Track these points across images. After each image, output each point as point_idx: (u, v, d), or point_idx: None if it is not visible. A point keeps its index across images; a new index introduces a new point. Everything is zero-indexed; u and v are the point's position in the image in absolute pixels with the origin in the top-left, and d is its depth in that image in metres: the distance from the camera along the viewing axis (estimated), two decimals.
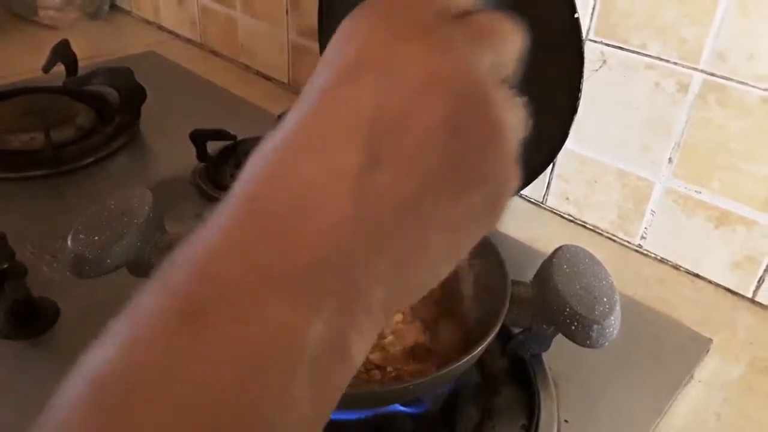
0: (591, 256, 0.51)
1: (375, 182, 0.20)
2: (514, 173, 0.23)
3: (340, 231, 0.20)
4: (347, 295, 0.20)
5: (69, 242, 0.47)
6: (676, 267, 0.70)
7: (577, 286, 0.47)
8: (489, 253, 0.52)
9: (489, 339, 0.43)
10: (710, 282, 0.68)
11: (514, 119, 0.24)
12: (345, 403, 0.42)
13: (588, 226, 0.76)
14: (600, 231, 0.75)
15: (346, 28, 0.23)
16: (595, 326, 0.44)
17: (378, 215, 0.20)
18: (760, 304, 0.65)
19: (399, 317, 0.50)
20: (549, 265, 0.49)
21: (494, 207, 0.23)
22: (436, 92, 0.21)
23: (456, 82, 0.21)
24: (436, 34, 0.22)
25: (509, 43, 0.25)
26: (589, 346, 0.45)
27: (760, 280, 0.65)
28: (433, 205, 0.21)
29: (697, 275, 0.69)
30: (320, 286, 0.19)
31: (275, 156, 0.21)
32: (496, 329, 0.44)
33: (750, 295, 0.66)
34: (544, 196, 0.78)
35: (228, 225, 0.20)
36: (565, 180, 0.75)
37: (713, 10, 0.59)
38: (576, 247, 0.51)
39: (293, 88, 1.04)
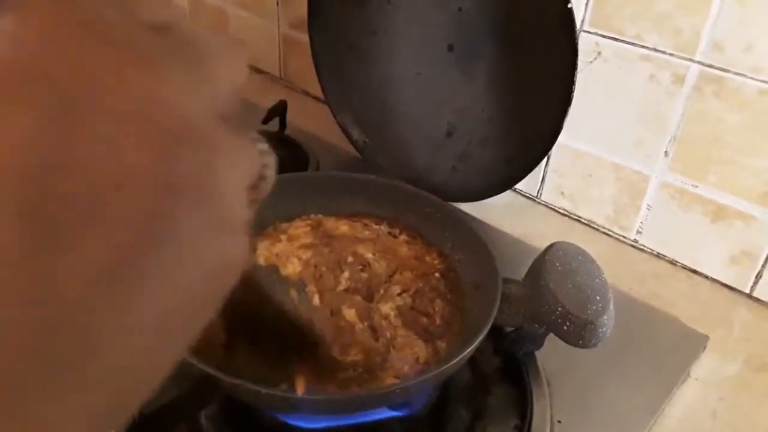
0: (584, 253, 0.50)
1: (49, 269, 0.14)
2: (241, 241, 0.18)
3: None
4: None
5: None
6: (672, 262, 0.69)
7: (570, 285, 0.46)
8: (479, 251, 0.51)
9: (479, 340, 0.42)
10: (707, 277, 0.67)
11: (241, 168, 0.18)
12: (329, 408, 0.41)
13: (583, 220, 0.74)
14: (595, 226, 0.74)
15: (10, 23, 0.15)
16: (588, 326, 0.43)
17: (61, 322, 0.14)
18: (757, 300, 0.64)
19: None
20: (541, 262, 0.48)
21: (213, 286, 0.18)
22: (140, 129, 0.15)
23: (169, 117, 0.16)
24: (134, 42, 0.16)
25: (226, 67, 0.19)
26: (581, 347, 0.44)
27: (758, 276, 0.63)
28: (137, 295, 0.15)
29: (693, 270, 0.68)
30: None
31: None
32: (487, 329, 0.43)
33: (747, 291, 0.65)
34: (539, 190, 0.77)
35: None
36: (560, 174, 0.74)
37: (710, 0, 0.57)
38: (569, 244, 0.50)
39: (285, 81, 1.03)
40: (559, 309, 0.44)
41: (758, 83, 0.57)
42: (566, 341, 0.44)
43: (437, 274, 0.53)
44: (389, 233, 0.57)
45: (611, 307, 0.45)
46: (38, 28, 0.15)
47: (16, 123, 0.14)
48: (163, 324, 0.16)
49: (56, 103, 0.14)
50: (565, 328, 0.44)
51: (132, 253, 0.15)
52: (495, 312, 0.44)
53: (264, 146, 0.21)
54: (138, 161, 0.15)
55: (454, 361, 0.40)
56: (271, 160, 0.21)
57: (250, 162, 0.19)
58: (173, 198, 0.16)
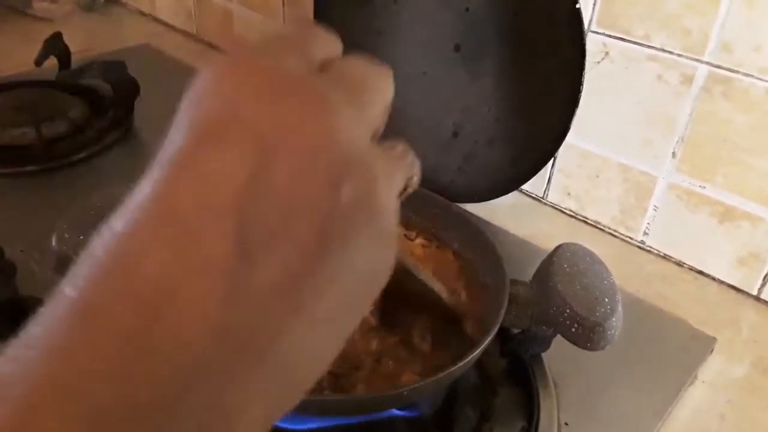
0: (592, 255, 0.49)
1: (247, 278, 0.17)
2: (393, 245, 0.21)
3: (206, 345, 0.16)
4: (216, 424, 0.17)
5: (54, 242, 0.46)
6: (679, 264, 0.69)
7: (578, 286, 0.45)
8: (487, 252, 0.50)
9: (486, 342, 0.42)
10: (714, 279, 0.67)
11: (396, 184, 0.22)
12: (338, 409, 0.41)
13: (589, 221, 0.74)
14: (602, 227, 0.73)
15: (206, 82, 0.18)
16: (597, 328, 0.43)
17: (253, 319, 0.17)
18: (765, 302, 0.64)
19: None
20: (549, 264, 0.47)
21: (372, 285, 0.21)
22: (320, 165, 0.18)
23: (341, 153, 0.18)
24: (312, 90, 0.19)
25: (380, 92, 0.22)
26: (590, 349, 0.44)
27: (765, 278, 0.63)
28: (312, 298, 0.18)
29: (700, 272, 0.67)
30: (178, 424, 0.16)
31: (118, 246, 0.16)
32: (494, 331, 0.43)
33: (755, 293, 0.64)
34: (545, 191, 0.77)
35: (57, 346, 0.16)
36: (566, 175, 0.74)
37: (718, 1, 0.57)
38: (576, 245, 0.50)
39: None
40: (567, 311, 0.44)
41: (767, 84, 0.57)
42: (574, 343, 0.44)
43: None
44: (405, 235, 0.57)
45: (620, 309, 0.45)
46: (236, 83, 0.18)
47: (230, 165, 0.17)
48: (331, 318, 0.19)
49: (258, 148, 0.17)
50: (573, 330, 0.43)
51: (309, 264, 0.18)
52: (503, 313, 0.44)
53: (411, 156, 0.24)
54: (313, 192, 0.18)
55: (461, 363, 0.40)
56: (417, 168, 0.25)
57: (402, 176, 0.23)
58: (341, 220, 0.18)
